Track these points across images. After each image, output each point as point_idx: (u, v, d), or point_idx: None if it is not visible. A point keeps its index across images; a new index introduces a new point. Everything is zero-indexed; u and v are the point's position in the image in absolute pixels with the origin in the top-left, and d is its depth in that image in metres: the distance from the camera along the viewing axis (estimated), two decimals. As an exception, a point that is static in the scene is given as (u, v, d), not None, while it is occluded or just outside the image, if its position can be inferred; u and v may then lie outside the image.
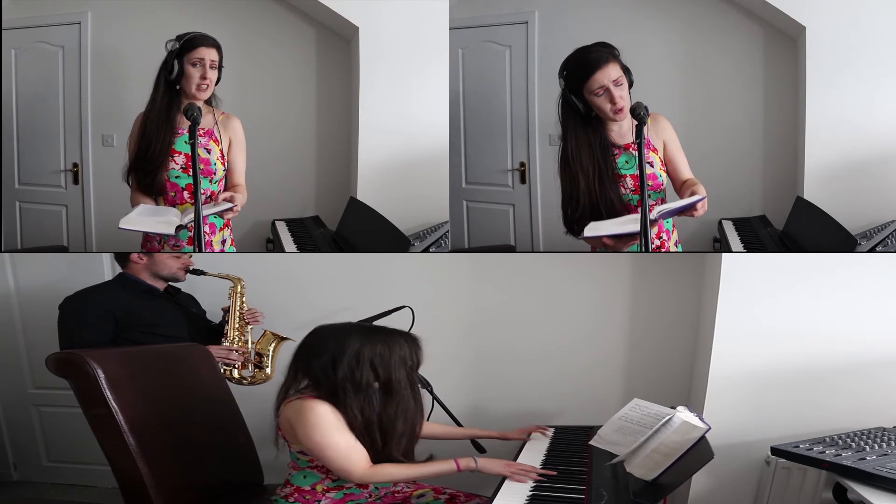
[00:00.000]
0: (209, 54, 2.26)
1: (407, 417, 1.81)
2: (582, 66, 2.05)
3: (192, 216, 2.12)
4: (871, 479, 1.86)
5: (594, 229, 2.03)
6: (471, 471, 1.84)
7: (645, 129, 2.08)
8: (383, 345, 1.78)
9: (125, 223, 2.11)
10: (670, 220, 2.25)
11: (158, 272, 2.60)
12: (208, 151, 2.31)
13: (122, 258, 2.61)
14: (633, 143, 2.10)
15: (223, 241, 2.42)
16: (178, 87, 2.28)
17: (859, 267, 2.36)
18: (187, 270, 2.65)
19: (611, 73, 2.03)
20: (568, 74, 2.08)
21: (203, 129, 2.31)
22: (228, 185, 2.41)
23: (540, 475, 1.85)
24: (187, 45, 2.25)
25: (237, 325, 2.72)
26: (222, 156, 2.35)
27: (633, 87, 2.13)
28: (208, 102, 2.37)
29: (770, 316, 2.38)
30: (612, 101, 2.05)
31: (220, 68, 2.32)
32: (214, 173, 2.33)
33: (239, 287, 2.76)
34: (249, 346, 2.74)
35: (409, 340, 1.85)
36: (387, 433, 1.78)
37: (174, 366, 2.29)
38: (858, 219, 2.65)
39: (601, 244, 2.13)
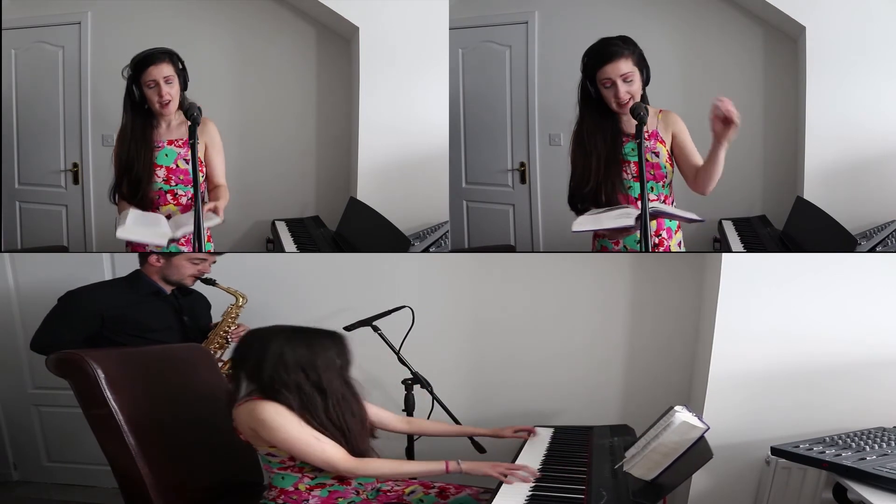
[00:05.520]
0: (160, 72, 2.26)
1: (354, 413, 1.84)
2: (596, 56, 2.12)
3: (184, 230, 2.15)
4: (871, 479, 1.86)
5: (582, 224, 2.08)
6: (458, 472, 1.85)
7: (655, 122, 2.17)
8: (306, 347, 1.81)
9: (123, 234, 2.14)
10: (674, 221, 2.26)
11: (169, 276, 2.59)
12: (187, 162, 2.32)
13: (142, 257, 2.61)
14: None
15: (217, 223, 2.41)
16: (146, 106, 2.32)
17: (859, 267, 2.36)
18: (198, 278, 2.65)
19: (620, 67, 2.09)
20: (586, 62, 2.16)
21: (180, 140, 2.34)
22: (210, 185, 2.43)
23: (531, 474, 1.84)
24: (137, 68, 2.28)
25: (216, 343, 2.72)
26: (200, 162, 2.36)
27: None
28: (183, 107, 2.37)
29: (770, 316, 2.38)
30: (617, 95, 2.10)
31: (182, 72, 2.31)
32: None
33: (238, 305, 2.75)
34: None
35: (335, 341, 1.87)
36: (343, 430, 1.81)
37: (174, 366, 2.29)
38: (858, 219, 2.65)
39: (599, 234, 2.18)
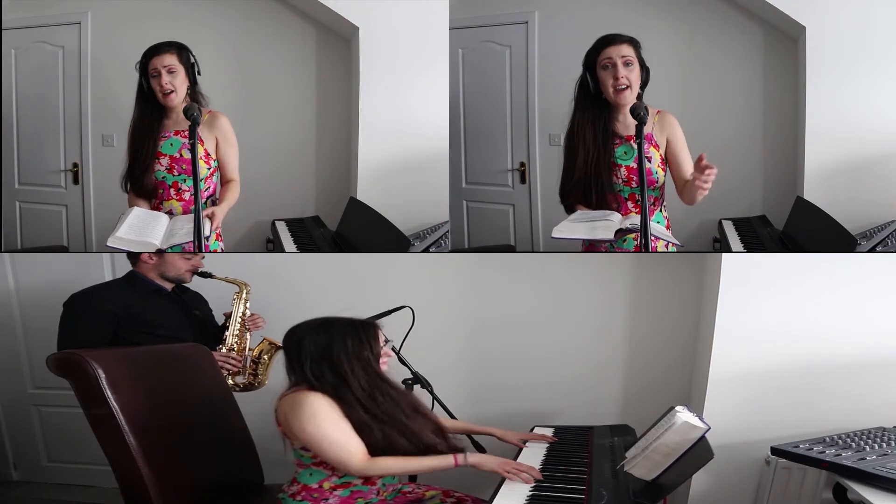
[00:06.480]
0: (162, 62, 2.33)
1: (399, 406, 1.80)
2: (600, 41, 2.17)
3: (174, 240, 2.17)
4: (871, 479, 1.86)
5: (562, 230, 2.09)
6: (466, 466, 1.84)
7: (651, 124, 2.17)
8: (325, 335, 1.80)
9: (112, 242, 2.15)
10: (664, 220, 2.26)
11: (165, 273, 2.59)
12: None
13: (132, 256, 2.61)
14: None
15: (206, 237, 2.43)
16: (156, 98, 2.37)
17: (859, 267, 2.36)
18: (194, 272, 2.65)
19: (622, 49, 2.13)
20: (588, 51, 2.19)
21: (187, 130, 2.34)
22: (222, 180, 2.46)
23: (535, 477, 1.84)
24: (143, 60, 2.35)
25: (237, 331, 2.72)
26: (206, 155, 2.39)
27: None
28: (195, 101, 2.40)
29: (770, 316, 2.38)
30: (616, 75, 2.12)
31: (191, 65, 2.37)
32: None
33: (244, 293, 2.76)
34: (247, 352, 2.73)
35: (362, 328, 1.83)
36: (367, 425, 1.76)
37: (175, 366, 2.29)
38: (858, 219, 2.65)
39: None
